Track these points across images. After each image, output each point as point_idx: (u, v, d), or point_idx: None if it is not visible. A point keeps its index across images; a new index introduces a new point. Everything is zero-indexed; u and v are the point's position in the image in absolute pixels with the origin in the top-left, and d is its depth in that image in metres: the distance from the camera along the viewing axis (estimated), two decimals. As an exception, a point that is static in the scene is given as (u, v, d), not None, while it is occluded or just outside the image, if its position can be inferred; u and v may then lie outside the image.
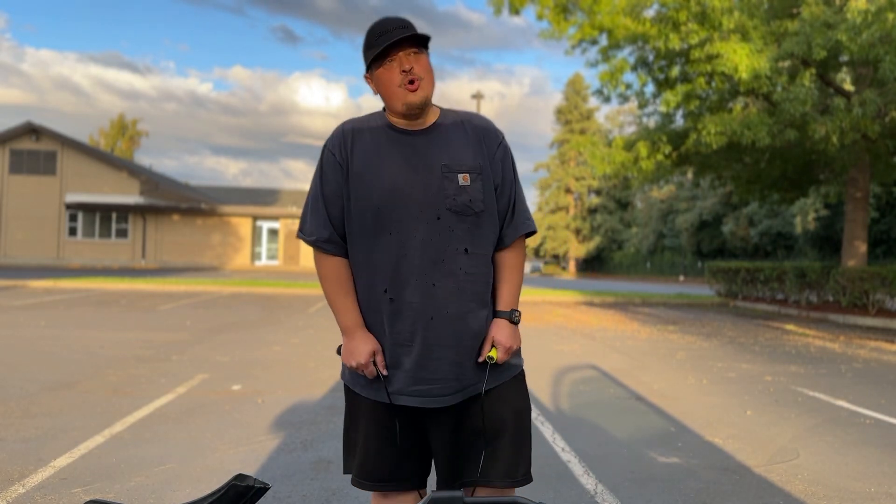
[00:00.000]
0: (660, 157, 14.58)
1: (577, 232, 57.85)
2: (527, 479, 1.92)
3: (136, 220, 34.29)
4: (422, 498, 1.85)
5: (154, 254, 34.36)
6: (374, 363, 1.82)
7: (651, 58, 14.53)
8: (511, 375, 1.92)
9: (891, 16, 10.72)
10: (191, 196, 37.53)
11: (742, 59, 11.70)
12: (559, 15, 14.10)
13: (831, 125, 11.93)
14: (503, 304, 1.89)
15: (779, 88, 12.61)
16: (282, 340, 8.51)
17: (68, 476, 3.43)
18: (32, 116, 79.55)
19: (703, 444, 4.33)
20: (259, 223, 36.19)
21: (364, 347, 1.82)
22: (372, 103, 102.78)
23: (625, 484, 3.55)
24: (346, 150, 1.83)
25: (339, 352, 1.88)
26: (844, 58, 12.87)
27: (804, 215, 34.64)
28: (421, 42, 1.81)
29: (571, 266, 58.12)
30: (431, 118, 1.87)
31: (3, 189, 32.91)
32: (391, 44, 1.76)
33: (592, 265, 57.89)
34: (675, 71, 13.77)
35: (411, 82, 1.77)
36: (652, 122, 17.38)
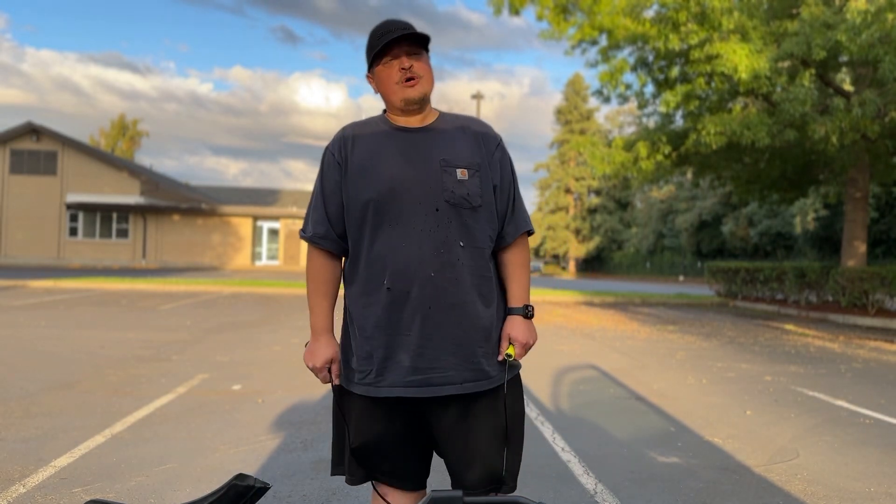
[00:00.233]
0: (659, 157, 14.59)
1: (577, 232, 57.85)
2: (512, 484, 1.91)
3: (136, 221, 34.30)
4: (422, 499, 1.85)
5: (154, 254, 34.37)
6: (329, 371, 1.87)
7: (651, 58, 14.53)
8: (510, 376, 1.91)
9: (890, 16, 10.72)
10: (191, 196, 37.53)
11: (742, 59, 11.70)
12: (559, 15, 14.10)
13: (831, 125, 11.94)
14: (515, 301, 1.91)
15: (778, 89, 12.61)
16: (282, 340, 8.52)
17: (69, 476, 3.43)
18: (33, 117, 79.45)
19: (702, 444, 4.34)
20: (259, 223, 36.20)
21: (324, 352, 1.88)
22: (372, 103, 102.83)
23: (625, 484, 3.55)
24: (345, 150, 1.87)
25: (306, 345, 1.92)
26: (844, 58, 12.87)
27: (804, 215, 34.64)
28: (421, 42, 1.85)
29: (571, 266, 58.12)
30: (431, 118, 1.91)
31: (3, 189, 32.91)
32: (392, 41, 1.81)
33: (592, 265, 57.88)
34: (675, 71, 13.78)
35: (410, 79, 1.82)
36: (652, 123, 17.39)
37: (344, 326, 1.96)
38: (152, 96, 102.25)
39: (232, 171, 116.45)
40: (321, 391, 5.57)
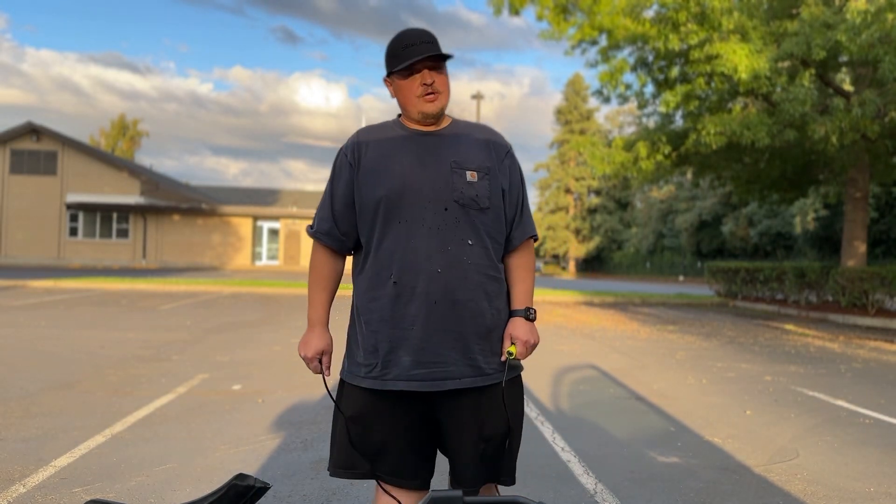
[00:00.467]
0: (659, 157, 14.59)
1: (577, 232, 57.85)
2: (509, 480, 1.98)
3: (136, 221, 34.30)
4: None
5: (154, 254, 34.37)
6: (320, 362, 1.95)
7: (651, 58, 14.53)
8: (511, 376, 1.96)
9: (890, 16, 10.72)
10: (191, 196, 37.54)
11: (741, 59, 11.70)
12: (559, 15, 14.11)
13: (831, 125, 11.94)
14: (518, 303, 1.97)
15: (778, 89, 12.61)
16: (282, 340, 8.52)
17: (69, 476, 3.43)
18: (33, 117, 79.43)
19: (702, 444, 4.34)
20: (259, 223, 36.20)
21: (315, 343, 1.97)
22: (371, 103, 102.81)
23: (625, 484, 3.56)
24: (358, 152, 1.94)
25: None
26: (844, 58, 12.88)
27: (804, 215, 34.65)
28: (444, 59, 1.91)
29: (571, 266, 58.11)
30: (443, 123, 1.98)
31: (3, 189, 32.92)
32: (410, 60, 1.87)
33: (592, 265, 57.88)
34: (675, 71, 13.78)
35: (430, 93, 1.89)
36: (651, 123, 17.39)
37: (351, 321, 2.00)
38: (152, 96, 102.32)
39: (232, 171, 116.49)
40: (321, 391, 5.57)
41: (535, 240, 2.05)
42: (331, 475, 1.98)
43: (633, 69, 14.77)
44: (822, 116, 12.44)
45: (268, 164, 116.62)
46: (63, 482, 3.34)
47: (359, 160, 1.92)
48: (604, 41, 14.48)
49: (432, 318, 1.83)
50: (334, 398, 1.98)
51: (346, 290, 2.05)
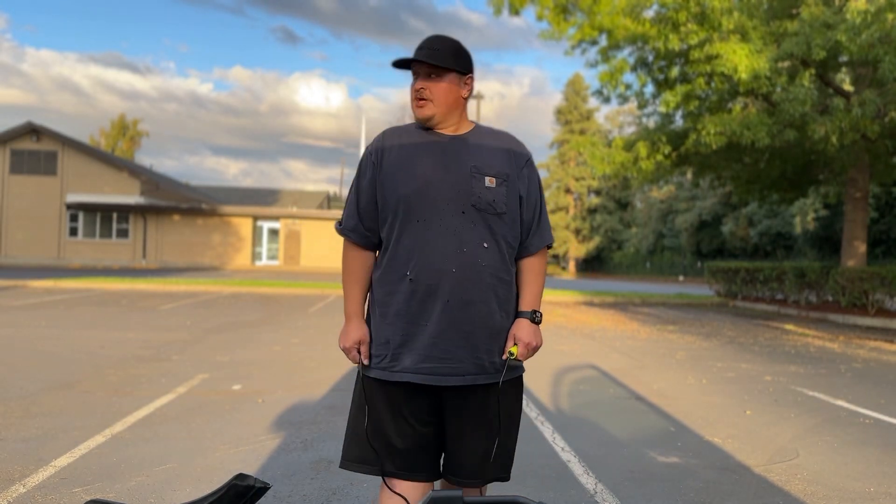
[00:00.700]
0: (659, 157, 14.58)
1: (577, 232, 57.83)
2: (505, 476, 2.05)
3: (136, 221, 34.29)
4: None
5: (154, 254, 34.36)
6: (359, 351, 2.01)
7: (651, 58, 14.53)
8: (511, 377, 2.02)
9: (890, 16, 10.72)
10: (191, 196, 37.54)
11: (741, 59, 11.70)
12: (559, 15, 14.10)
13: (831, 125, 11.94)
14: (525, 305, 2.04)
15: (778, 89, 12.61)
16: (282, 340, 8.52)
17: (69, 476, 3.43)
18: (33, 117, 79.47)
19: (702, 444, 4.34)
20: (259, 223, 36.19)
21: (353, 334, 2.01)
22: (371, 103, 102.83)
23: (624, 483, 3.56)
24: (381, 151, 2.02)
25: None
26: (844, 58, 12.87)
27: (804, 215, 34.64)
28: (446, 65, 1.96)
29: (571, 266, 58.11)
30: (464, 129, 2.04)
31: (3, 189, 32.91)
32: (407, 61, 1.98)
33: (592, 265, 57.87)
34: (675, 71, 13.77)
35: (420, 100, 1.98)
36: (651, 123, 17.38)
37: (367, 314, 2.08)
38: (152, 96, 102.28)
39: (232, 171, 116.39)
40: (321, 391, 5.57)
41: (551, 247, 2.12)
42: (340, 467, 2.05)
43: (633, 69, 14.77)
44: (822, 116, 12.44)
45: (268, 164, 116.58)
46: (63, 482, 3.34)
47: (381, 160, 2.01)
48: (604, 41, 14.48)
49: (444, 317, 1.90)
50: (357, 390, 2.06)
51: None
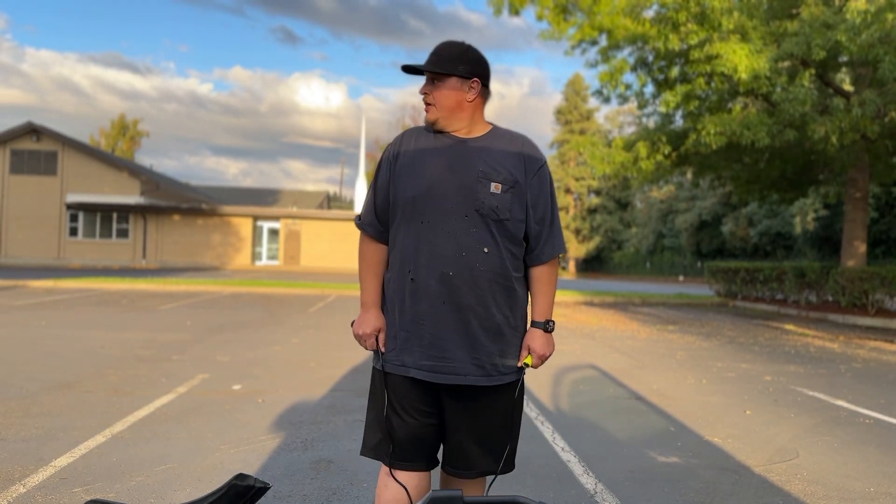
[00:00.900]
0: (659, 157, 14.58)
1: (577, 232, 57.83)
2: (497, 469, 2.10)
3: (136, 221, 34.29)
4: (428, 486, 2.09)
5: (154, 254, 34.36)
6: (377, 339, 2.08)
7: (651, 58, 14.53)
8: (511, 380, 2.09)
9: (890, 16, 10.72)
10: (191, 196, 37.53)
11: (741, 59, 11.70)
12: (559, 15, 14.10)
13: (831, 125, 11.94)
14: (538, 315, 2.10)
15: (778, 89, 12.61)
16: (282, 340, 8.52)
17: (69, 476, 3.43)
18: (33, 117, 79.43)
19: (702, 444, 4.34)
20: (259, 223, 36.19)
21: (371, 322, 2.09)
22: (371, 103, 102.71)
23: (624, 483, 3.56)
24: (395, 151, 2.10)
25: (352, 324, 2.13)
26: (844, 58, 12.88)
27: (803, 215, 34.64)
28: (448, 70, 2.02)
29: (571, 266, 58.10)
30: (478, 132, 2.08)
31: (3, 189, 32.91)
32: (412, 68, 2.07)
33: (592, 265, 57.86)
34: (675, 71, 13.77)
35: (426, 104, 2.07)
36: (651, 123, 17.38)
37: (381, 306, 2.15)
38: (152, 96, 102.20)
39: (232, 171, 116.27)
40: (321, 391, 5.57)
41: (562, 254, 2.17)
42: (360, 454, 2.15)
43: (633, 69, 14.77)
44: (822, 116, 12.44)
45: (268, 164, 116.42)
46: (63, 482, 3.34)
47: (396, 160, 2.07)
48: (604, 41, 14.48)
49: (439, 318, 1.96)
50: (383, 379, 2.12)
51: None
